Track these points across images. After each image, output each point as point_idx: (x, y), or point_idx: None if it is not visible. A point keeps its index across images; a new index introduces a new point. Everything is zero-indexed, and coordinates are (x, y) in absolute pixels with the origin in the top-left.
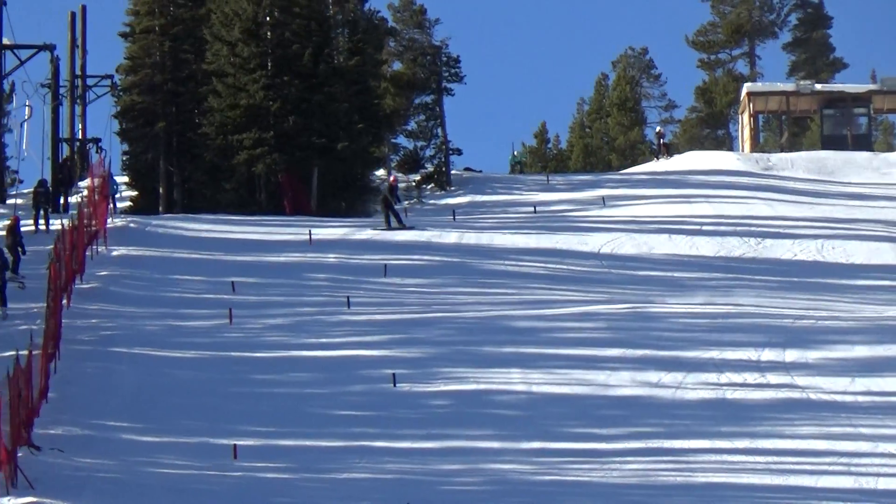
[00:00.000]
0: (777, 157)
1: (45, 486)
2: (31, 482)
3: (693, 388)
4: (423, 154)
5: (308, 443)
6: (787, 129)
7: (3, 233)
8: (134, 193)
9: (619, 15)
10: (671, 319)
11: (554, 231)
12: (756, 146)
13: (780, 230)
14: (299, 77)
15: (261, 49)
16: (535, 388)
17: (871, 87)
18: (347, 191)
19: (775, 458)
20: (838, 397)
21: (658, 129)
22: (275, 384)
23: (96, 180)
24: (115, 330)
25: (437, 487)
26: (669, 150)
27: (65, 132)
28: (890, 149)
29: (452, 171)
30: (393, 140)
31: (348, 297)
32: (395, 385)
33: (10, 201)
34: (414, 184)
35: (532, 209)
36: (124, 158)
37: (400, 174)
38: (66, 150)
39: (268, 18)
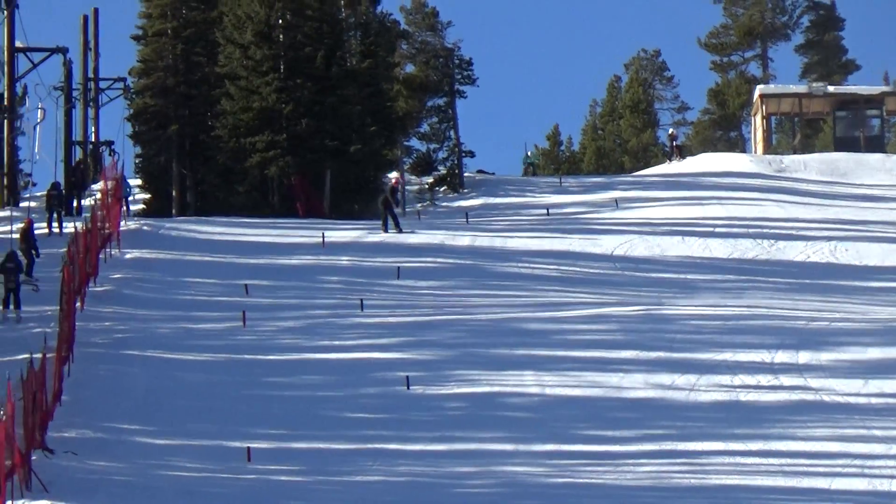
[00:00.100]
0: (790, 159)
1: (59, 488)
2: (45, 485)
3: (706, 390)
4: (436, 156)
5: (321, 445)
6: (799, 131)
7: (17, 236)
8: (147, 196)
9: (632, 17)
10: (684, 321)
11: (567, 233)
12: (769, 148)
13: (793, 232)
14: (312, 80)
15: (273, 52)
16: (547, 391)
17: (884, 88)
18: (360, 193)
19: (789, 461)
20: (851, 399)
21: (671, 131)
22: (288, 387)
23: (109, 183)
24: (128, 333)
25: (450, 490)
26: (682, 152)
27: (78, 135)
28: None
29: (465, 174)
30: (406, 142)
31: (361, 300)
32: (408, 387)
33: (24, 204)
34: (427, 186)
35: (545, 211)
36: (137, 161)
37: (413, 177)
38: (79, 153)
39: (280, 21)
